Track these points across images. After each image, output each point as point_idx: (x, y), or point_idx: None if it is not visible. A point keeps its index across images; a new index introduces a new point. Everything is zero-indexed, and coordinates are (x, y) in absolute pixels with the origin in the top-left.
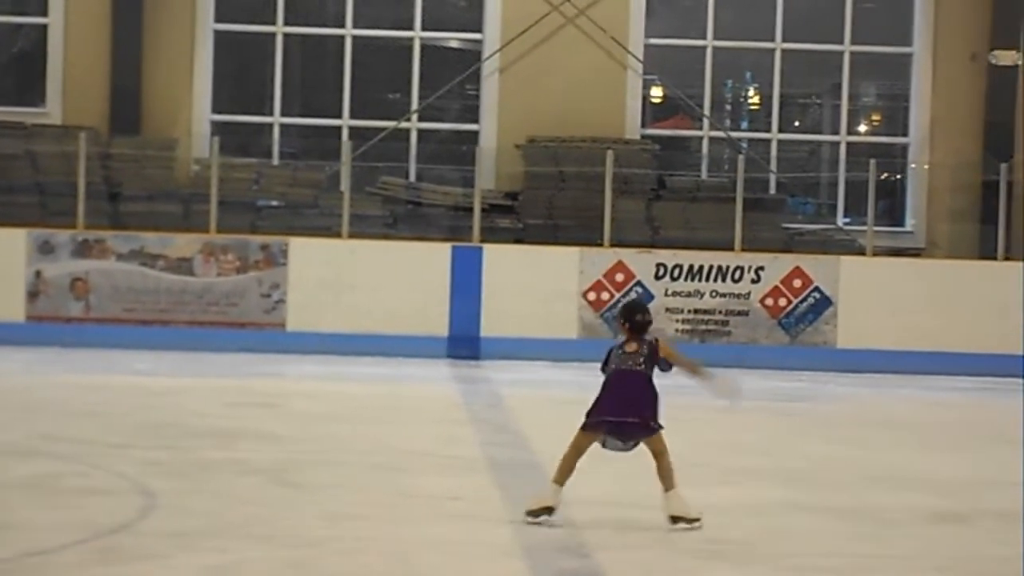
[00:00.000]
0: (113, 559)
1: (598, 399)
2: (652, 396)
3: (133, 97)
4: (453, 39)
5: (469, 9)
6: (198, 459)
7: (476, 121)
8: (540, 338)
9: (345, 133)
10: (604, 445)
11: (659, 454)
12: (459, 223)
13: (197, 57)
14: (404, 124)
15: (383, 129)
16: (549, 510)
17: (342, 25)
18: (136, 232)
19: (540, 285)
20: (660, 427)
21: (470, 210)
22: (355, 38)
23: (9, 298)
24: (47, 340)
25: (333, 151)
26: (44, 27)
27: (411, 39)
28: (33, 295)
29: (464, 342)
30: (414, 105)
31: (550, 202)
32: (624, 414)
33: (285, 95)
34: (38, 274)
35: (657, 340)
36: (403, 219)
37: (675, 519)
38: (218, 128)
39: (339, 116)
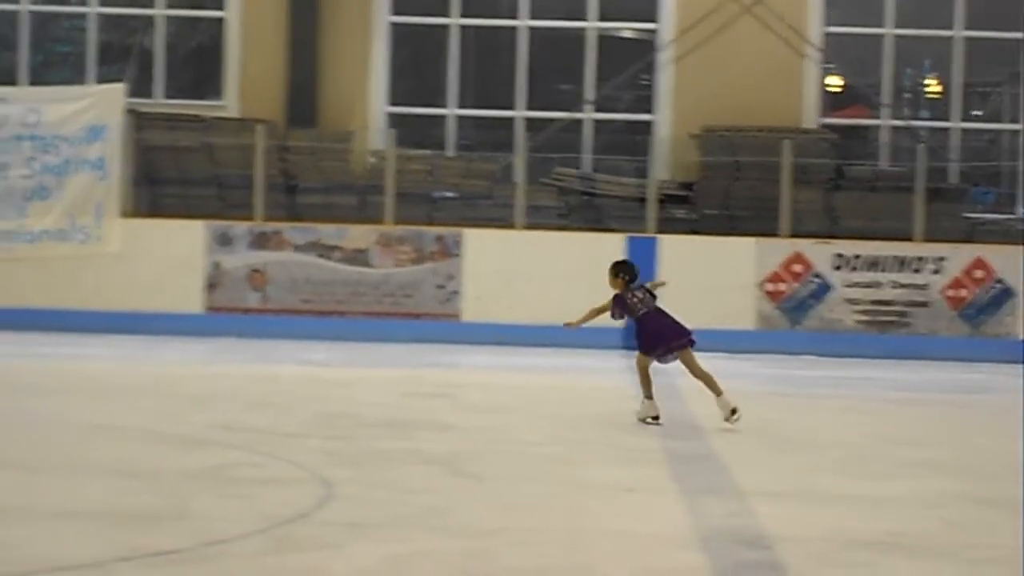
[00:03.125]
0: (290, 548)
1: (650, 330)
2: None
3: (309, 90)
4: (628, 28)
5: None
6: (374, 449)
7: (651, 111)
8: (716, 329)
9: (519, 124)
10: (659, 360)
11: (694, 364)
12: (634, 214)
13: (373, 50)
14: (578, 115)
15: (557, 120)
16: (657, 418)
17: (516, 16)
18: (313, 224)
19: (716, 276)
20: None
21: (645, 200)
22: (530, 29)
23: (188, 289)
24: (225, 331)
25: (507, 142)
26: (221, 21)
27: (585, 29)
28: (211, 286)
29: None
30: (588, 95)
31: (726, 192)
32: (678, 338)
33: (460, 87)
34: (216, 265)
35: (645, 285)
36: (577, 210)
37: (734, 411)
38: (393, 120)
39: (513, 107)
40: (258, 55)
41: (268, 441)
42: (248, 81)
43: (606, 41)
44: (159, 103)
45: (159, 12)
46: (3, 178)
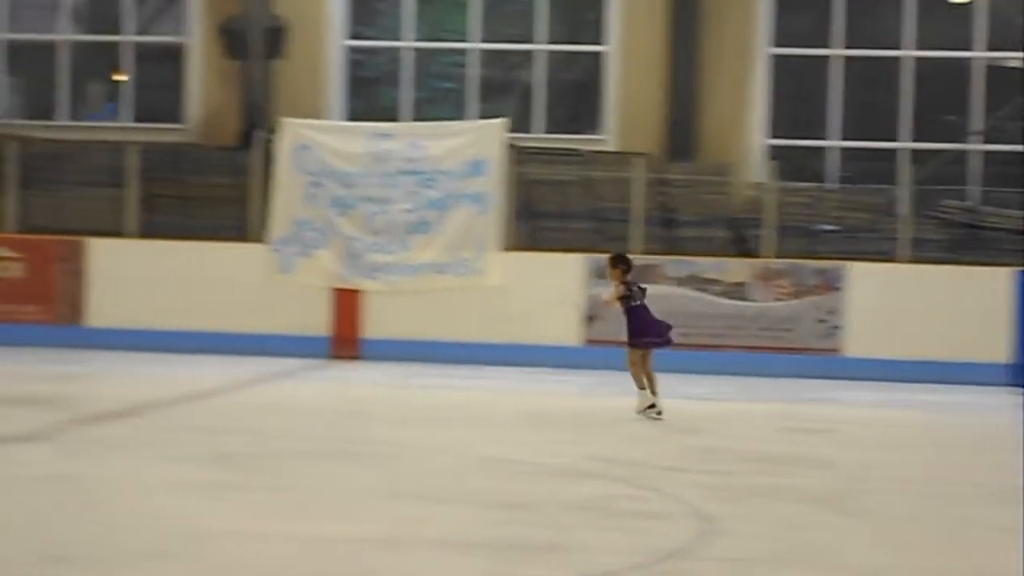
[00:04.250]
0: None
1: (638, 325)
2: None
3: (688, 122)
4: (1016, 58)
5: None
6: (753, 484)
7: None
8: None
9: (903, 156)
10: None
11: (648, 360)
12: (1023, 247)
13: (752, 82)
14: (965, 146)
15: (942, 151)
16: (653, 406)
17: (899, 47)
18: (691, 257)
19: None
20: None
21: None
22: (914, 59)
23: (566, 322)
24: (603, 364)
25: (890, 174)
26: (599, 55)
27: (972, 59)
28: (590, 319)
29: None
30: (975, 126)
31: None
32: (661, 335)
33: (841, 118)
34: (595, 298)
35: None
36: (963, 243)
37: (652, 406)
38: (773, 152)
39: (896, 139)
40: (636, 88)
41: (647, 474)
42: (626, 114)
43: (994, 71)
44: (538, 137)
45: (539, 47)
46: (386, 212)
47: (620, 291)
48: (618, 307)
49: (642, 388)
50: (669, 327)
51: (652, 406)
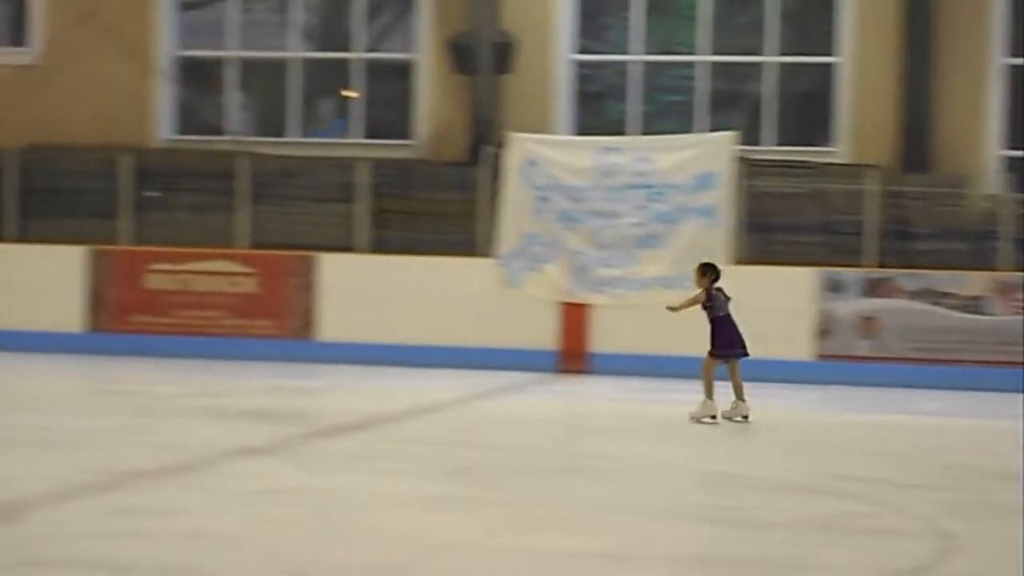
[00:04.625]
0: None
1: (726, 335)
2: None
3: (922, 134)
4: None
5: None
6: (993, 502)
7: None
8: None
9: None
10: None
11: (736, 371)
12: None
13: (988, 92)
14: None
15: None
16: (714, 417)
17: None
18: (926, 270)
19: None
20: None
21: None
22: None
23: (796, 336)
24: (836, 379)
25: None
26: (829, 66)
27: None
28: (823, 333)
29: None
30: None
31: None
32: (741, 347)
33: None
34: (828, 312)
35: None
36: None
37: (745, 417)
38: (1010, 164)
39: None
40: (869, 100)
41: (881, 491)
42: (859, 126)
43: None
44: (769, 149)
45: (769, 59)
46: (613, 226)
47: (699, 298)
48: (686, 312)
49: (709, 397)
50: (744, 343)
51: (713, 417)
